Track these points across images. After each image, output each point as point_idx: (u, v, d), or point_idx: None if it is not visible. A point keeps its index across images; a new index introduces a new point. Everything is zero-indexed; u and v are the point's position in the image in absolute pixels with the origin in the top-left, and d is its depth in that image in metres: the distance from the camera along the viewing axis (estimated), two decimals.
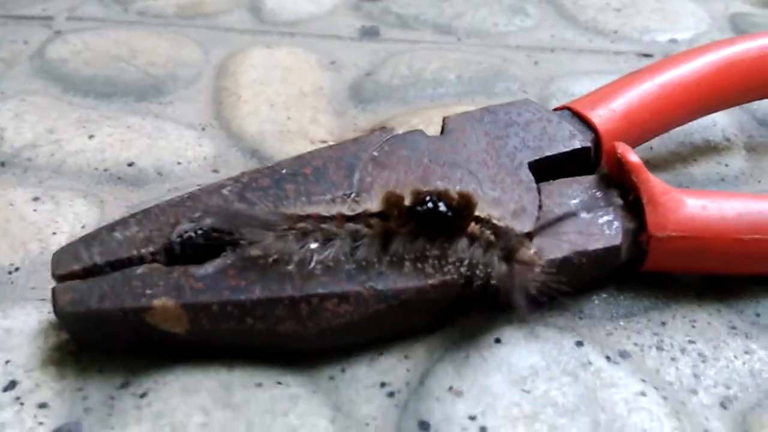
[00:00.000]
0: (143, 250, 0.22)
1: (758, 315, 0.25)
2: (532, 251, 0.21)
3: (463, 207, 0.21)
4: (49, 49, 0.39)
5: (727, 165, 0.32)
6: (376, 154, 0.24)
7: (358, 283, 0.21)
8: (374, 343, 0.23)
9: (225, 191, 0.23)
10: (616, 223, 0.23)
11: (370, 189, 0.23)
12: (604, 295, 0.25)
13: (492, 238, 0.21)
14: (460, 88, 0.37)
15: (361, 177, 0.24)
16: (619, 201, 0.24)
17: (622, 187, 0.24)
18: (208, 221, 0.22)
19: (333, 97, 0.37)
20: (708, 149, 0.33)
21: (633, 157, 0.24)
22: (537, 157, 0.25)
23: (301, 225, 0.21)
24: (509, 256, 0.21)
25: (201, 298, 0.21)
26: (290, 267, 0.21)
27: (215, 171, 0.31)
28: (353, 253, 0.21)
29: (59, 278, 0.21)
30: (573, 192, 0.24)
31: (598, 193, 0.24)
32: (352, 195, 0.23)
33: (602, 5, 0.46)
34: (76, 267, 0.21)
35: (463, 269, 0.21)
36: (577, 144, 0.26)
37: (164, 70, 0.38)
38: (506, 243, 0.21)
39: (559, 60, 0.41)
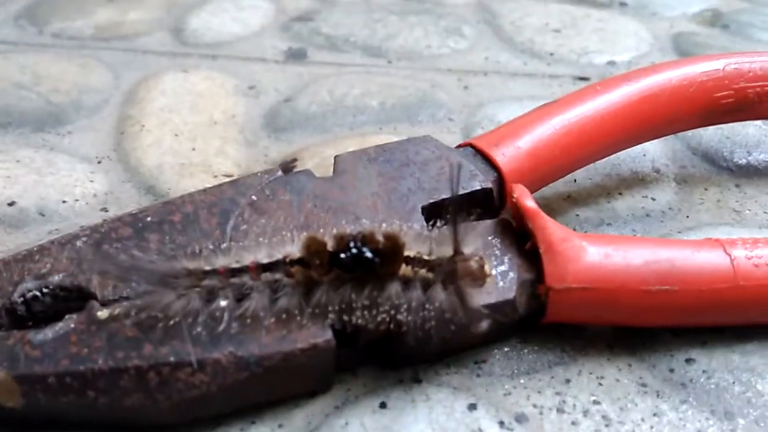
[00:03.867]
0: None
1: (672, 371, 0.23)
2: (473, 260, 0.20)
3: (390, 250, 0.19)
4: None
5: (654, 199, 0.30)
6: (254, 198, 0.22)
7: (217, 349, 0.19)
8: (247, 410, 0.21)
9: (79, 243, 0.21)
10: (511, 274, 0.21)
11: (245, 238, 0.21)
12: (506, 349, 0.23)
13: (429, 275, 0.20)
14: (383, 116, 0.36)
15: (235, 225, 0.22)
16: (517, 251, 0.22)
17: (522, 234, 0.22)
18: (56, 278, 0.20)
19: (245, 126, 0.34)
20: (635, 181, 0.31)
21: (529, 202, 0.22)
22: (432, 200, 0.23)
23: (206, 282, 0.19)
24: (452, 281, 0.20)
25: (36, 368, 0.18)
26: (199, 329, 0.19)
27: (104, 209, 0.29)
28: (272, 306, 0.19)
29: None
30: (467, 239, 0.22)
31: (494, 240, 0.22)
32: (223, 245, 0.21)
33: (541, 26, 0.45)
34: None
35: (396, 315, 0.20)
36: (477, 185, 0.24)
37: (68, 98, 0.36)
38: (444, 271, 0.20)
39: (491, 84, 0.39)
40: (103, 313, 0.19)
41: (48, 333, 0.19)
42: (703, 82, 0.28)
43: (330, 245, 0.19)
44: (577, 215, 0.29)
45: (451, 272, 0.20)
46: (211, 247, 0.20)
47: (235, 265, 0.19)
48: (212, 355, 0.19)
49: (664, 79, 0.28)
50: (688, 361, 0.23)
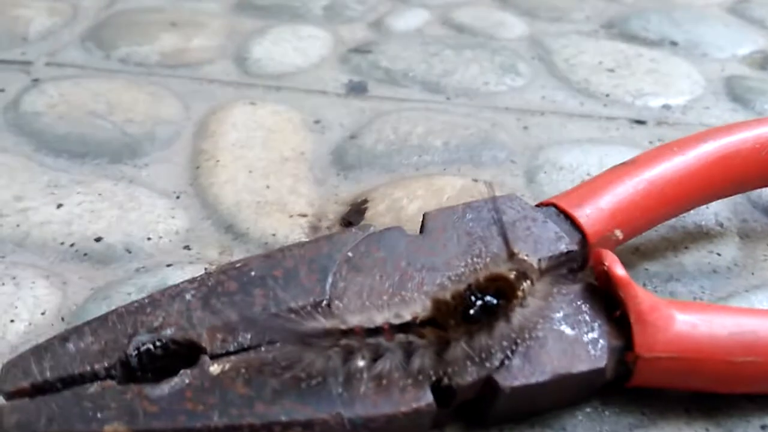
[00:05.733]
0: (97, 365, 0.20)
1: None
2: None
3: (507, 287, 0.21)
4: (24, 101, 0.38)
5: (719, 254, 0.31)
6: (350, 255, 0.23)
7: (326, 410, 0.20)
8: None
9: (188, 296, 0.22)
10: (601, 342, 0.22)
11: (343, 295, 0.22)
12: (588, 410, 0.24)
13: (531, 283, 0.21)
14: (447, 156, 0.36)
15: (334, 281, 0.22)
16: (605, 317, 0.22)
17: (608, 298, 0.23)
18: (168, 332, 0.21)
19: (315, 163, 0.35)
20: (700, 236, 0.32)
21: (620, 270, 0.23)
22: None
23: (344, 341, 0.20)
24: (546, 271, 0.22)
25: (154, 424, 0.19)
26: (338, 389, 0.20)
27: (187, 247, 0.30)
28: (405, 366, 0.20)
29: (7, 395, 0.20)
30: (557, 304, 0.23)
31: (583, 306, 0.23)
32: (324, 302, 0.22)
33: (594, 64, 0.45)
34: (25, 384, 0.20)
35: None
36: (563, 247, 0.24)
37: (142, 129, 0.36)
38: (534, 269, 0.21)
39: (549, 125, 0.40)
40: (215, 369, 0.20)
41: (164, 388, 0.20)
42: None
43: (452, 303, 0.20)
44: (646, 269, 0.30)
45: (530, 267, 0.21)
46: (326, 304, 0.21)
47: (370, 326, 0.20)
48: (321, 415, 0.20)
49: (737, 140, 0.29)
50: (764, 427, 0.24)
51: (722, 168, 0.28)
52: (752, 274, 0.30)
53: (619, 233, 0.24)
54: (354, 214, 0.32)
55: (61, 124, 0.36)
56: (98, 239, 0.29)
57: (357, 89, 0.42)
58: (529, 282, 0.21)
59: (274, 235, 0.30)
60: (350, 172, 0.35)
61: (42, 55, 0.43)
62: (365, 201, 0.33)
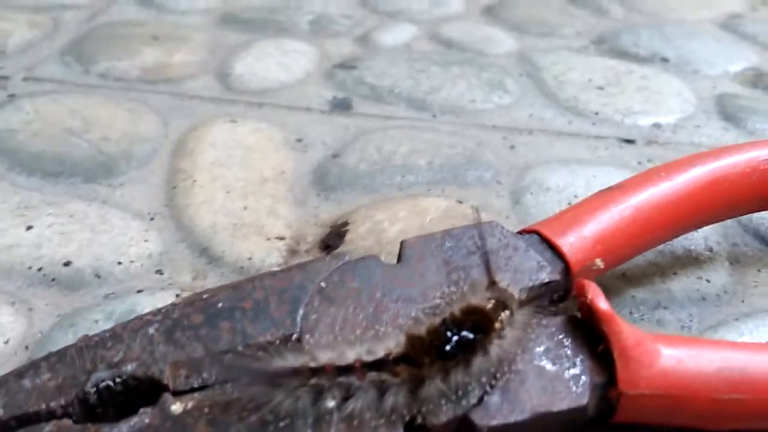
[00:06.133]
0: (53, 403, 0.19)
1: None
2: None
3: (485, 319, 0.20)
4: None
5: (708, 281, 0.30)
6: (324, 285, 0.22)
7: None
8: None
9: (151, 329, 0.21)
10: (583, 378, 0.21)
11: (315, 329, 0.21)
12: None
13: (508, 315, 0.20)
14: (431, 176, 0.35)
15: (305, 313, 0.22)
16: (588, 351, 0.22)
17: (591, 331, 0.22)
18: (128, 368, 0.20)
19: (295, 183, 0.34)
20: (689, 261, 0.31)
21: (603, 304, 0.22)
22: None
23: (314, 380, 0.19)
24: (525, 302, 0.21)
25: None
26: (307, 431, 0.19)
27: (159, 272, 0.29)
28: (377, 406, 0.19)
29: None
30: (538, 338, 0.22)
31: (565, 340, 0.22)
32: (294, 336, 0.21)
33: (584, 81, 0.45)
34: None
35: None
36: (545, 277, 0.24)
37: (118, 147, 0.36)
38: (515, 298, 0.21)
39: (537, 143, 0.39)
40: (176, 408, 0.19)
41: (122, 428, 0.19)
42: (766, 169, 0.28)
43: (426, 338, 0.19)
44: (633, 297, 0.29)
45: (510, 296, 0.20)
46: (297, 339, 0.20)
47: (341, 363, 0.19)
48: None
49: (727, 164, 0.28)
50: None
51: (711, 193, 0.27)
52: (742, 301, 0.29)
53: (600, 263, 0.24)
54: (334, 237, 0.31)
55: (36, 142, 0.35)
56: (67, 263, 0.28)
57: (341, 106, 0.41)
58: (507, 312, 0.20)
59: (250, 259, 0.29)
60: (331, 192, 0.34)
61: (20, 69, 0.42)
62: (346, 223, 0.32)
